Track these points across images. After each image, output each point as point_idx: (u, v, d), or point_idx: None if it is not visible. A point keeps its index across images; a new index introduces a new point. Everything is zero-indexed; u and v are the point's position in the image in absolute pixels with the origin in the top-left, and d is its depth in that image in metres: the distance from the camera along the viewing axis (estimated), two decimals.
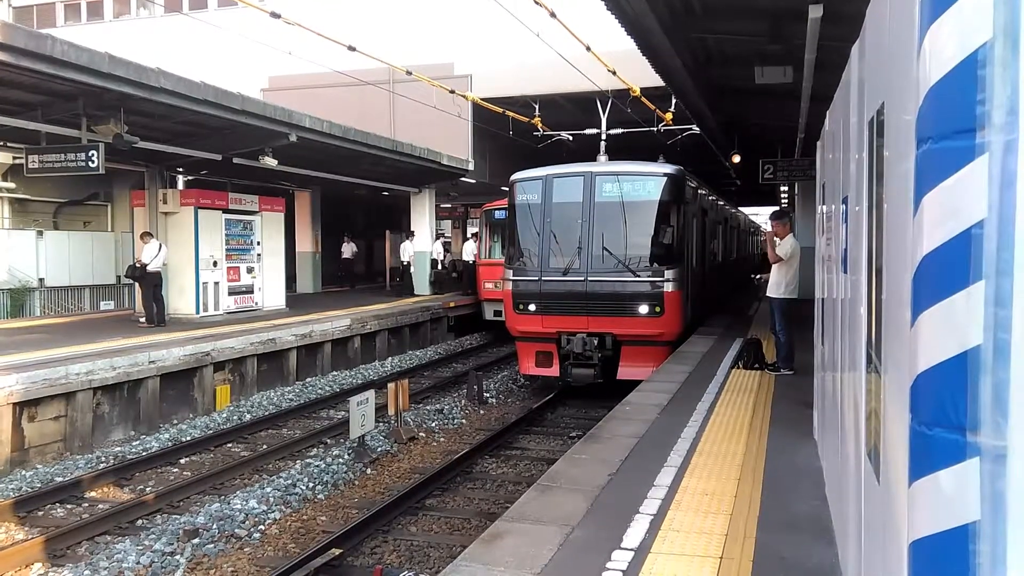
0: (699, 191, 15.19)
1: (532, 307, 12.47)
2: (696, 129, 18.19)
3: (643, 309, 11.95)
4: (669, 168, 12.89)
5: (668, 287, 11.98)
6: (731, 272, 24.46)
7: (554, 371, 12.68)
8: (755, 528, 4.68)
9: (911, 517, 1.63)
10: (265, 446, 10.29)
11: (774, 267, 9.75)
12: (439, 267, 23.30)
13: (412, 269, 22.60)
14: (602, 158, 15.16)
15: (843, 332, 3.88)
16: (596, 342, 12.10)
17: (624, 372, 12.19)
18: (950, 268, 1.47)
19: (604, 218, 12.28)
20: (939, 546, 1.51)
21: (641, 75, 14.46)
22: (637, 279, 12.01)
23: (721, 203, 21.07)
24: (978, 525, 1.43)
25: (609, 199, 12.32)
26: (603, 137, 18.23)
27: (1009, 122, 1.40)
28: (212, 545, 6.90)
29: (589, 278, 12.14)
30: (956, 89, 1.47)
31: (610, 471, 5.85)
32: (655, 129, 19.69)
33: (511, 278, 12.80)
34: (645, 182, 12.49)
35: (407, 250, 22.73)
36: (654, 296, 11.97)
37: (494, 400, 13.28)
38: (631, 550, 4.35)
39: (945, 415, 1.48)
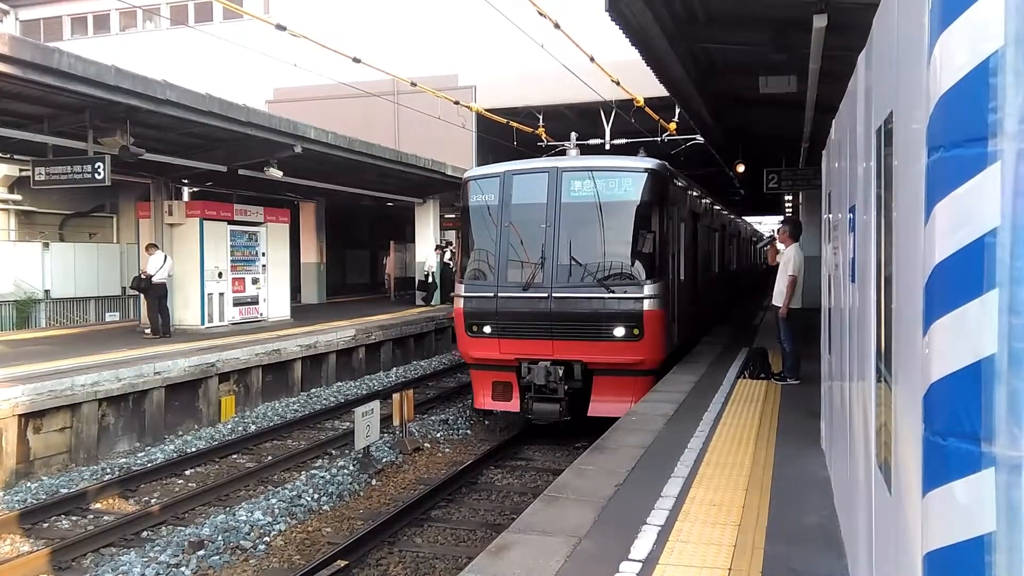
0: (689, 192, 13.34)
1: (487, 329, 10.67)
2: (700, 139, 18.21)
3: (618, 331, 10.14)
4: (649, 163, 11.03)
5: (648, 305, 10.15)
6: (729, 287, 22.23)
7: (513, 405, 10.80)
8: (763, 539, 4.64)
9: (925, 528, 1.62)
10: (270, 457, 10.27)
11: (778, 277, 9.74)
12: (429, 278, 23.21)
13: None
14: (572, 151, 12.57)
15: (851, 341, 3.87)
16: (562, 371, 10.27)
17: (596, 408, 10.41)
18: (963, 277, 1.46)
19: (572, 222, 10.49)
20: (954, 558, 1.49)
21: (645, 85, 14.51)
22: (611, 295, 10.21)
23: (717, 207, 18.93)
24: (994, 536, 1.41)
25: (578, 200, 10.51)
26: (607, 148, 18.26)
27: (1021, 130, 1.39)
28: (217, 557, 6.87)
29: (554, 294, 10.33)
30: (967, 97, 1.46)
31: (617, 482, 5.83)
32: (659, 139, 19.73)
33: (462, 294, 10.95)
34: (621, 179, 10.60)
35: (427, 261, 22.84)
36: (631, 316, 10.14)
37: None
38: (639, 561, 4.32)
39: (959, 425, 1.47)
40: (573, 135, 13.79)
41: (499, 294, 10.61)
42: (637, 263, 10.38)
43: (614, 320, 10.19)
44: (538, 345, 10.45)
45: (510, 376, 10.74)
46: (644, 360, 10.30)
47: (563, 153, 17.31)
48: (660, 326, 10.34)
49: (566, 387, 10.31)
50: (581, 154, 12.39)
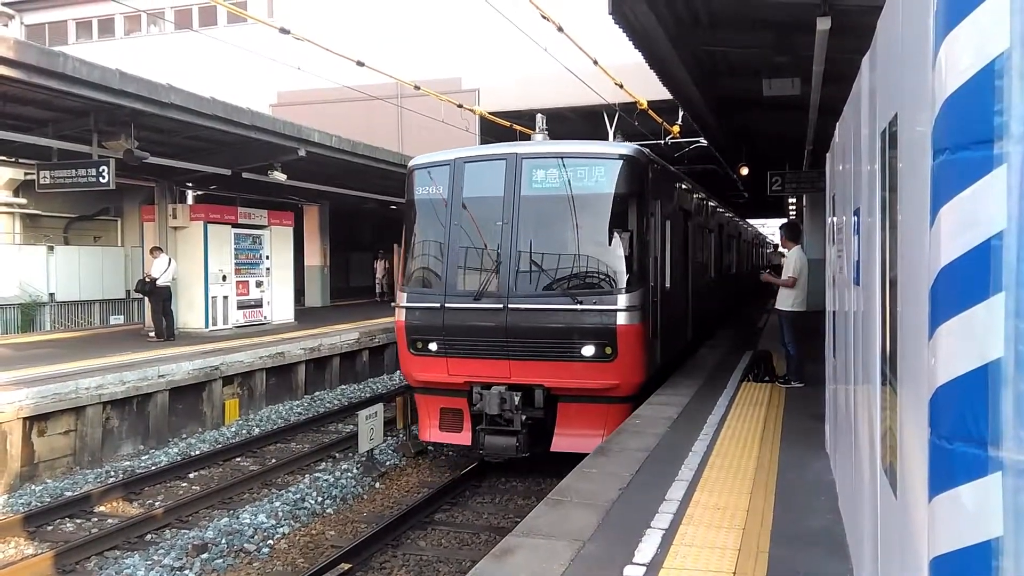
0: (678, 185, 11.74)
1: (433, 346, 9.10)
2: (703, 141, 18.21)
3: (587, 351, 8.57)
4: (626, 148, 9.37)
5: (623, 319, 8.58)
6: (728, 293, 20.36)
7: (464, 438, 9.21)
8: (768, 543, 4.63)
9: (931, 533, 1.61)
10: (274, 460, 10.28)
11: (782, 278, 9.75)
12: None
13: None
14: (538, 136, 10.35)
15: (855, 345, 3.85)
16: (520, 398, 8.65)
17: (560, 443, 8.88)
18: (969, 280, 1.45)
19: (534, 219, 8.93)
20: (961, 562, 1.48)
21: (648, 88, 14.52)
22: (579, 308, 8.62)
23: (713, 204, 16.70)
24: (1001, 541, 1.40)
25: (541, 192, 8.93)
26: None
27: None
28: (221, 560, 6.88)
29: (510, 305, 8.75)
30: (973, 99, 1.45)
31: (621, 485, 5.81)
32: (662, 142, 19.72)
33: (404, 304, 9.38)
34: (591, 167, 8.94)
35: None
36: (603, 332, 8.57)
37: None
38: (643, 565, 4.31)
39: (966, 429, 1.46)
40: (540, 117, 10.88)
41: (447, 305, 9.02)
42: (610, 269, 8.81)
43: (582, 337, 8.62)
44: (492, 366, 8.87)
45: (460, 402, 9.13)
46: (618, 385, 8.74)
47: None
48: (638, 344, 8.78)
49: (524, 417, 8.70)
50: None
